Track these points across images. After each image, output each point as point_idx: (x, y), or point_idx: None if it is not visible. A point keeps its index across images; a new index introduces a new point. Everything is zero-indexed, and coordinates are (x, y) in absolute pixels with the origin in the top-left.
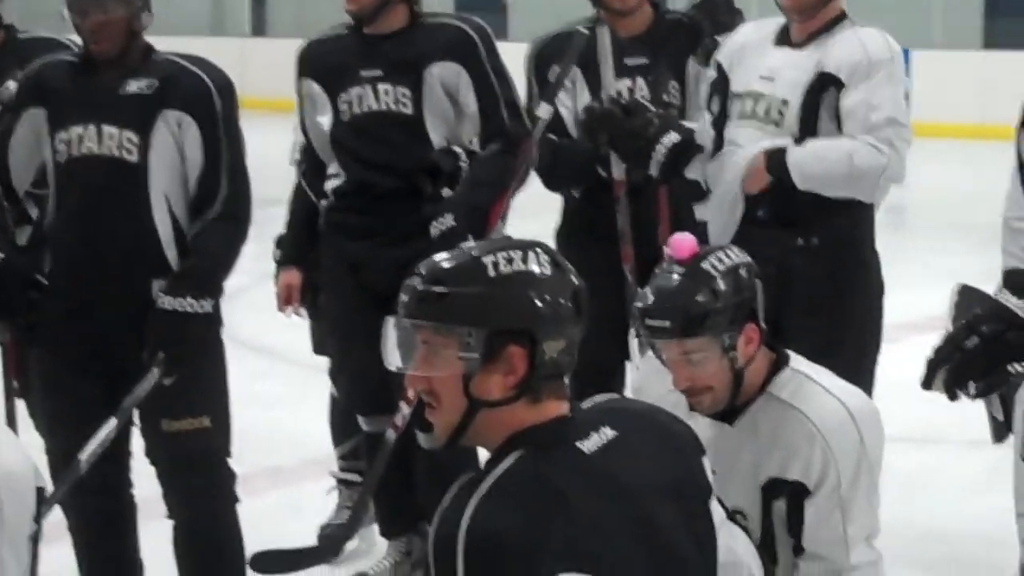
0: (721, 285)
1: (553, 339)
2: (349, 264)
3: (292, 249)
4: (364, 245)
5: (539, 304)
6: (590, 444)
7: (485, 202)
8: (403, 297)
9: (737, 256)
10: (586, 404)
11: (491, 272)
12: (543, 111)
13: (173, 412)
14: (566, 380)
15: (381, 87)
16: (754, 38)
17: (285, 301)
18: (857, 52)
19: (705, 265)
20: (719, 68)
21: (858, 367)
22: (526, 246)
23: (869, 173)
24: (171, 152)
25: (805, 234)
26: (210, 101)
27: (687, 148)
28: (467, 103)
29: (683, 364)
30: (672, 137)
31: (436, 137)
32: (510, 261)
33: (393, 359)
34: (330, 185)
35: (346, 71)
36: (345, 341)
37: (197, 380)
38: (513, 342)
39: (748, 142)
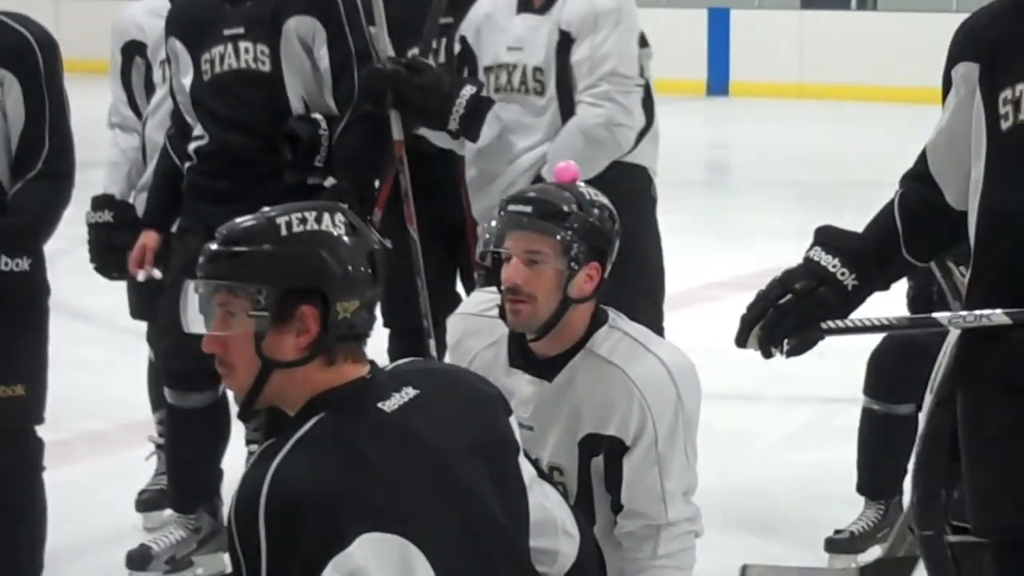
0: (589, 205)
1: (346, 300)
2: (205, 227)
3: (153, 211)
4: (223, 211)
5: (331, 264)
6: (391, 403)
7: (363, 180)
8: (200, 258)
9: (611, 205)
10: (389, 366)
11: (283, 231)
12: None
13: None
14: (365, 342)
15: (242, 45)
16: (496, 6)
17: (137, 263)
18: (584, 6)
19: (581, 188)
20: (463, 41)
21: (649, 311)
22: (323, 208)
23: (599, 133)
24: None
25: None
26: (32, 57)
27: (482, 100)
28: (320, 57)
29: (522, 264)
30: (469, 89)
31: (293, 95)
32: (303, 221)
33: (193, 323)
34: (193, 146)
35: (210, 30)
36: (173, 299)
37: (14, 346)
38: (305, 302)
39: (512, 121)
